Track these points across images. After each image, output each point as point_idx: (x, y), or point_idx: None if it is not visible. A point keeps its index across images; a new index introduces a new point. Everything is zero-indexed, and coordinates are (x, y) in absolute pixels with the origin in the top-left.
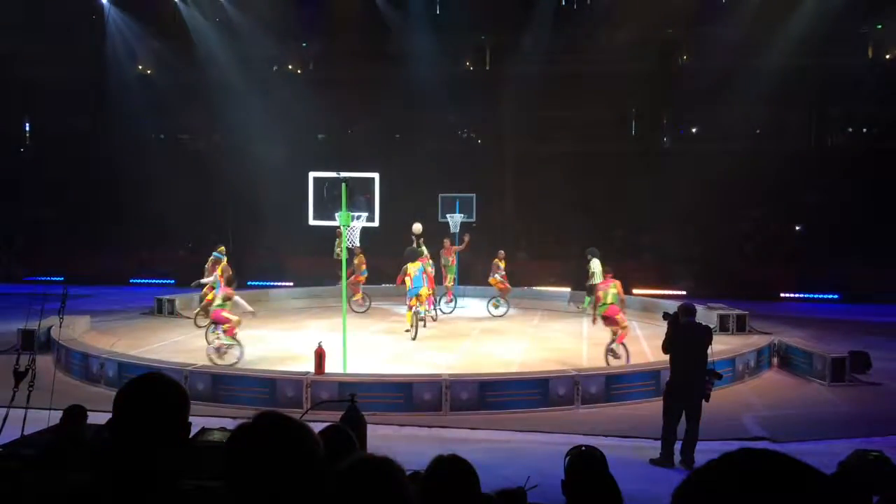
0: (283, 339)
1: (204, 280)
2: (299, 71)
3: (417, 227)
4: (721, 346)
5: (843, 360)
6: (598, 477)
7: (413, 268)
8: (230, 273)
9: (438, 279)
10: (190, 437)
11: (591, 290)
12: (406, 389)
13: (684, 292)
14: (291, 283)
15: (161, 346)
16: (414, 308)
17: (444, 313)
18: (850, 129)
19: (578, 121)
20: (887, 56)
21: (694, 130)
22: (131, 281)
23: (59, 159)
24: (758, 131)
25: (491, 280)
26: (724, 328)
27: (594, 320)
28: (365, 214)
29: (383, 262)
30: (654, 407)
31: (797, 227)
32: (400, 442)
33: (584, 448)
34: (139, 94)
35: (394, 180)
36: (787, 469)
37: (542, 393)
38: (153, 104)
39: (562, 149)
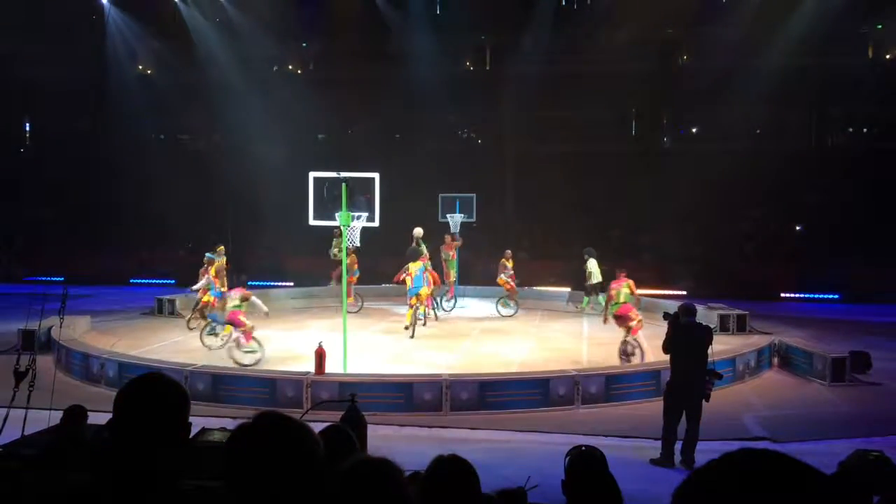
0: (283, 339)
1: (196, 286)
2: (299, 71)
3: (418, 232)
4: (721, 345)
5: (844, 360)
6: (599, 477)
7: (414, 267)
8: (224, 273)
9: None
10: (190, 437)
11: (589, 289)
12: (406, 389)
13: (684, 292)
14: (291, 284)
15: (161, 346)
16: (414, 307)
17: (445, 311)
18: (851, 129)
19: (578, 121)
20: (887, 56)
21: (694, 130)
22: (131, 281)
23: (59, 159)
24: (758, 131)
25: (499, 280)
26: (724, 328)
27: (605, 320)
28: (365, 214)
29: (384, 262)
30: (654, 407)
31: (797, 227)
32: (400, 442)
33: (584, 448)
34: (139, 94)
35: (394, 180)
36: (788, 469)
37: (542, 393)
38: (153, 104)
39: (562, 149)
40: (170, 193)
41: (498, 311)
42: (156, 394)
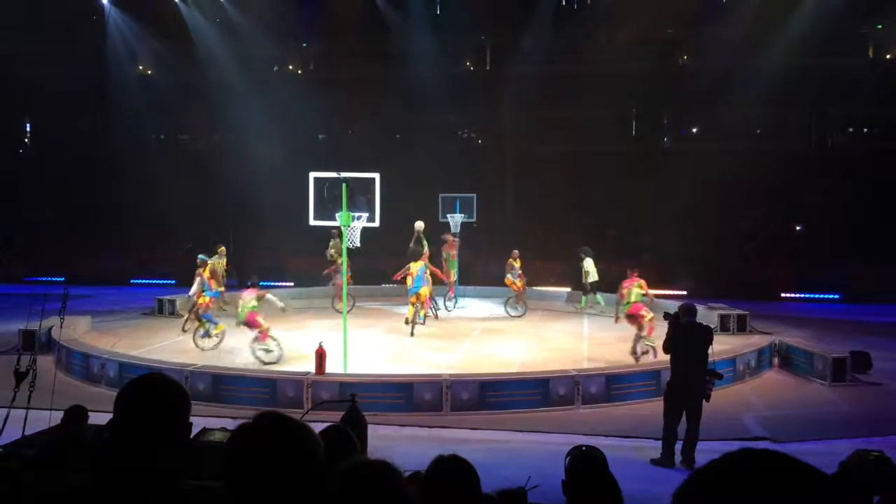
0: (283, 339)
1: (192, 291)
2: (299, 71)
3: (419, 225)
4: (722, 345)
5: (844, 360)
6: (599, 477)
7: (415, 267)
8: (223, 273)
9: (437, 279)
10: (191, 437)
11: (587, 288)
12: (406, 389)
13: (685, 292)
14: (292, 284)
15: (162, 346)
16: (415, 305)
17: (447, 311)
18: (851, 129)
19: (578, 121)
20: (887, 56)
21: (694, 130)
22: (132, 281)
23: (59, 159)
24: (758, 131)
25: (506, 280)
26: (724, 328)
27: (617, 319)
28: (365, 215)
29: (384, 261)
30: (654, 407)
31: (797, 227)
32: (400, 442)
33: (584, 448)
34: (139, 94)
35: (394, 180)
36: (788, 469)
37: (542, 393)
38: (153, 104)
39: (562, 149)
40: (170, 193)
41: (507, 312)
42: (156, 394)
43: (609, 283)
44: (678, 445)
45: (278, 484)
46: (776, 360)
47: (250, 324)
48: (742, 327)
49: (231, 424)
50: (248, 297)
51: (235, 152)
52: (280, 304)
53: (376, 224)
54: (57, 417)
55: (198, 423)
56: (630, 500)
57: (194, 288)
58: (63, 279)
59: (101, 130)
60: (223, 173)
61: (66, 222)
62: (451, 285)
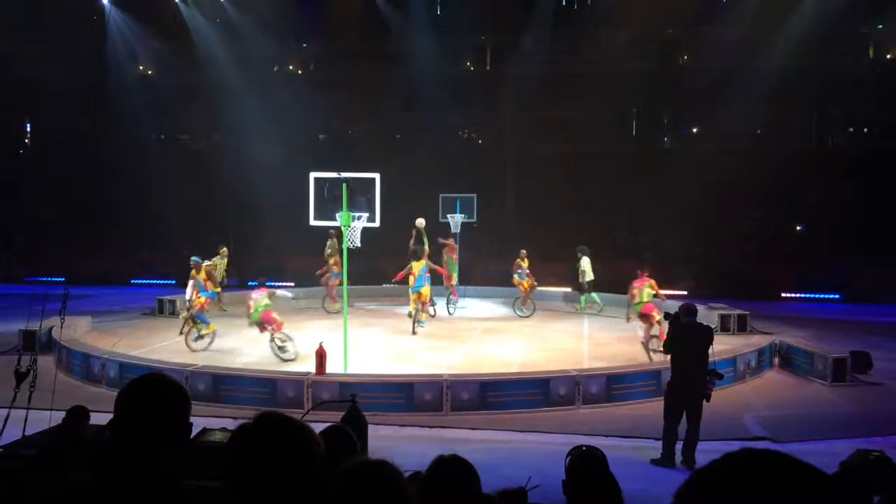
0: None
1: (188, 296)
2: (300, 71)
3: (420, 222)
4: (722, 345)
5: (845, 360)
6: (599, 477)
7: (417, 267)
8: (223, 273)
9: (438, 278)
10: (191, 437)
11: (583, 288)
12: (407, 390)
13: (685, 292)
14: (292, 284)
15: (162, 346)
16: (417, 302)
17: (450, 314)
18: (851, 129)
19: (578, 121)
20: (888, 56)
21: (694, 130)
22: (132, 281)
23: (59, 159)
24: (758, 131)
25: (514, 281)
26: (725, 328)
27: (629, 318)
28: (366, 215)
29: (384, 262)
30: (655, 407)
31: (798, 227)
32: (401, 442)
33: (584, 448)
34: (139, 94)
35: (394, 180)
36: (789, 469)
37: (542, 393)
38: (153, 104)
39: (562, 149)
40: (170, 193)
41: (515, 312)
42: (156, 394)
43: (610, 284)
44: (678, 445)
45: (279, 484)
46: (776, 360)
47: (265, 322)
48: (742, 327)
49: (231, 425)
50: (260, 297)
51: (235, 152)
52: (289, 295)
53: (376, 224)
54: (57, 418)
55: (198, 423)
56: (630, 500)
57: (189, 292)
58: (63, 279)
59: (101, 130)
60: (223, 173)
61: (66, 222)
62: (453, 289)
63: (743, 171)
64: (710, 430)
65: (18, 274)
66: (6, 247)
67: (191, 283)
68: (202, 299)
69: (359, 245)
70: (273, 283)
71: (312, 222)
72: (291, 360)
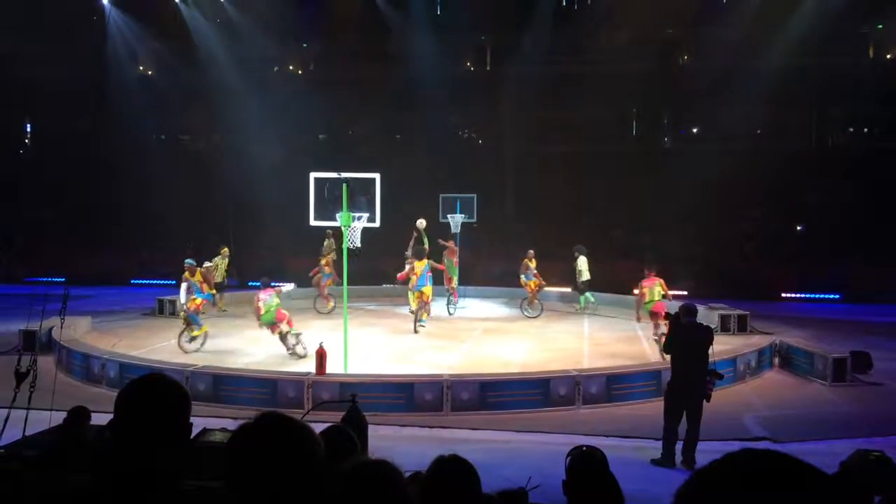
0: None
1: (183, 300)
2: (300, 71)
3: (421, 223)
4: (722, 346)
5: (845, 360)
6: (599, 477)
7: (419, 266)
8: (223, 274)
9: (439, 279)
10: (191, 437)
11: (582, 287)
12: (407, 390)
13: (685, 292)
14: (293, 284)
15: (162, 346)
16: (419, 302)
17: (449, 315)
18: (851, 129)
19: (578, 121)
20: (888, 56)
21: (694, 130)
22: (132, 281)
23: (59, 159)
24: (758, 131)
25: (521, 281)
26: (725, 328)
27: (639, 318)
28: (366, 215)
29: (384, 262)
30: (655, 407)
31: (798, 227)
32: (401, 442)
33: (584, 448)
34: (139, 94)
35: (394, 181)
36: (789, 469)
37: (543, 393)
38: (153, 105)
39: (562, 149)
40: (170, 193)
41: (523, 313)
42: (157, 394)
43: (609, 284)
44: (679, 446)
45: (279, 484)
46: (776, 361)
47: (279, 320)
48: (742, 327)
49: (231, 425)
50: (269, 298)
51: (235, 152)
52: (292, 286)
53: (377, 224)
54: (57, 418)
55: (198, 423)
56: (630, 500)
57: (183, 296)
58: (63, 279)
59: (101, 130)
60: (223, 173)
61: (66, 222)
62: (454, 290)
63: (743, 171)
64: (710, 430)
65: (18, 274)
66: (6, 247)
67: (184, 285)
68: (198, 301)
69: (359, 245)
70: (274, 284)
71: (313, 222)
72: (304, 356)
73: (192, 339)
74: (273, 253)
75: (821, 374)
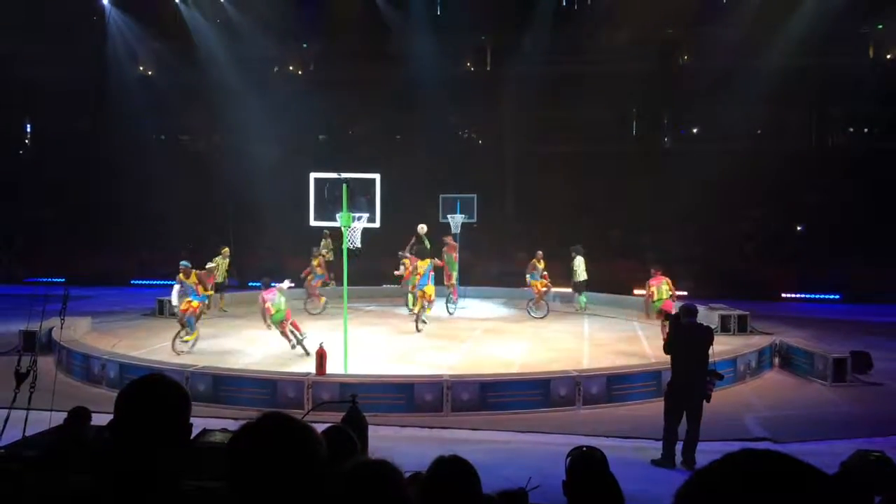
0: (284, 339)
1: (175, 303)
2: (300, 71)
3: (422, 228)
4: (722, 346)
5: (845, 361)
6: (599, 477)
7: (422, 266)
8: (205, 276)
9: (439, 279)
10: (191, 438)
11: (580, 287)
12: (407, 390)
13: (685, 293)
14: (293, 284)
15: (162, 347)
16: (422, 301)
17: (450, 314)
18: (851, 129)
19: (578, 121)
20: (888, 56)
21: (694, 130)
22: (132, 282)
23: (59, 159)
24: (758, 131)
25: (527, 281)
26: (725, 329)
27: (648, 315)
28: (366, 215)
29: (384, 262)
30: (655, 407)
31: (798, 227)
32: (401, 443)
33: (585, 448)
34: (140, 94)
35: (394, 181)
36: (789, 469)
37: (543, 394)
38: (153, 105)
39: (562, 149)
40: (170, 193)
41: (529, 314)
42: (157, 395)
43: (607, 284)
44: (679, 446)
45: (280, 484)
46: (777, 361)
47: (288, 319)
48: (742, 328)
49: (232, 425)
50: (275, 297)
51: (235, 152)
52: (290, 283)
53: (377, 224)
54: (57, 418)
55: (198, 424)
56: (630, 500)
57: (175, 298)
58: (63, 279)
59: (101, 130)
60: (223, 173)
61: (66, 222)
62: (454, 288)
63: (743, 171)
64: (710, 430)
65: (18, 274)
66: (6, 247)
67: (176, 287)
68: (194, 304)
69: (359, 246)
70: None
71: (313, 223)
72: (309, 354)
73: (184, 342)
74: (273, 253)
75: (821, 374)
